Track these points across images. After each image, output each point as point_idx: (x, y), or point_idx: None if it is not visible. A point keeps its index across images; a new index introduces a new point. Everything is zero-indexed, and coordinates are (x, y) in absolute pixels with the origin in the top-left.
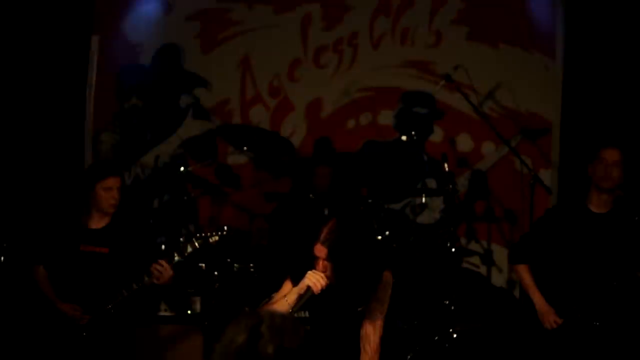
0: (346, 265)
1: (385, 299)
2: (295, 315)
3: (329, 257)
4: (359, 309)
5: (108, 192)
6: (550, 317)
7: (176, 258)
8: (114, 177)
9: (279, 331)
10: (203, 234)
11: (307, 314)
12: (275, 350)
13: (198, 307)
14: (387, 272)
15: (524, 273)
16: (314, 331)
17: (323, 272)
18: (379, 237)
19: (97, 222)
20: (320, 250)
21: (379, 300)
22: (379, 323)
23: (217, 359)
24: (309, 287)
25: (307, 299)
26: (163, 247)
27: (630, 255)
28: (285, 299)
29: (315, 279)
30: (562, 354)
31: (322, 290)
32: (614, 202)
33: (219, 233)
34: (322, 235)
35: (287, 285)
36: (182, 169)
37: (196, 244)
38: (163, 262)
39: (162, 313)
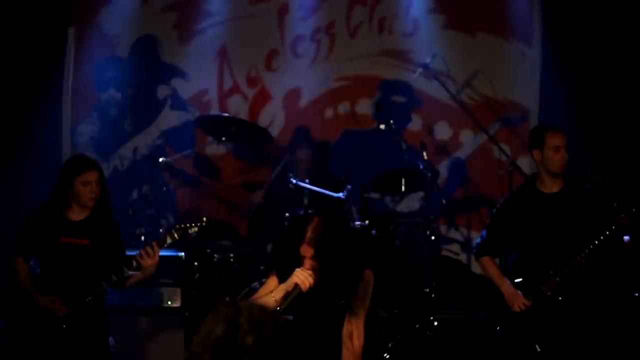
0: (332, 264)
1: (367, 296)
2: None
3: (316, 256)
4: (340, 303)
5: (87, 186)
6: (518, 300)
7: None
8: (92, 171)
9: (258, 322)
10: (182, 225)
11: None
12: (254, 341)
13: (178, 298)
14: (368, 271)
15: (487, 264)
16: (296, 327)
17: (310, 270)
18: (359, 226)
19: (77, 215)
20: (307, 250)
21: (362, 297)
22: (362, 320)
23: (195, 350)
24: (296, 285)
25: (295, 296)
26: (142, 238)
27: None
28: (272, 295)
29: (303, 277)
30: (534, 333)
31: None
32: (564, 181)
33: (198, 224)
34: (308, 235)
35: (273, 281)
36: (160, 160)
37: (175, 235)
38: (154, 244)
39: (141, 305)
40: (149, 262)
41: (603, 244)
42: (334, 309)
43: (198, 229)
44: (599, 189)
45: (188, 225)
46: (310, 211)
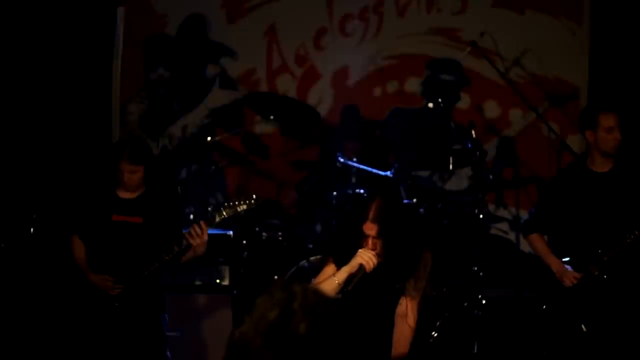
0: (397, 242)
1: (424, 277)
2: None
3: (380, 234)
4: (397, 286)
5: (132, 174)
6: (568, 275)
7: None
8: (135, 165)
9: (312, 309)
10: (231, 203)
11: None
12: (307, 328)
13: (227, 276)
14: (426, 252)
15: (536, 241)
16: (350, 308)
17: (373, 249)
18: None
19: (129, 193)
20: (371, 228)
21: (419, 278)
22: (417, 301)
23: (247, 333)
24: (361, 266)
25: (360, 277)
26: (192, 217)
27: (637, 211)
28: (335, 278)
29: (367, 257)
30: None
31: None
32: (615, 161)
33: (247, 202)
34: (371, 213)
35: (330, 268)
36: (209, 138)
37: (224, 213)
38: (202, 224)
39: (191, 283)
40: (197, 241)
41: None
42: (393, 289)
43: (247, 207)
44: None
45: (237, 203)
46: (370, 191)
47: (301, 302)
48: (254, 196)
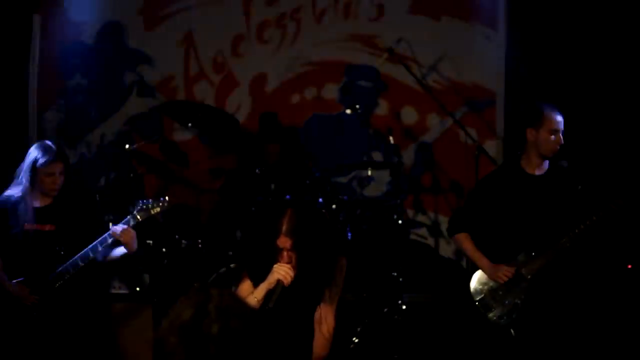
0: (312, 252)
1: (340, 283)
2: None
3: (295, 247)
4: (315, 295)
5: (50, 177)
6: (501, 270)
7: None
8: (56, 162)
9: (226, 311)
10: (145, 207)
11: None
12: (219, 330)
13: (147, 284)
14: (341, 257)
15: (464, 241)
16: (268, 317)
17: (288, 262)
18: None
19: (42, 201)
20: (285, 242)
21: (335, 284)
22: (334, 306)
23: (162, 333)
24: (279, 281)
25: (279, 293)
26: (110, 224)
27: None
28: (254, 296)
29: (284, 272)
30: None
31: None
32: (550, 164)
33: (160, 204)
34: (284, 227)
35: (246, 284)
36: (127, 146)
37: (138, 217)
38: (127, 224)
39: (113, 291)
40: (126, 239)
41: (588, 229)
42: (311, 299)
43: (160, 209)
44: (570, 172)
45: (150, 206)
46: (284, 200)
47: (216, 303)
48: (167, 198)
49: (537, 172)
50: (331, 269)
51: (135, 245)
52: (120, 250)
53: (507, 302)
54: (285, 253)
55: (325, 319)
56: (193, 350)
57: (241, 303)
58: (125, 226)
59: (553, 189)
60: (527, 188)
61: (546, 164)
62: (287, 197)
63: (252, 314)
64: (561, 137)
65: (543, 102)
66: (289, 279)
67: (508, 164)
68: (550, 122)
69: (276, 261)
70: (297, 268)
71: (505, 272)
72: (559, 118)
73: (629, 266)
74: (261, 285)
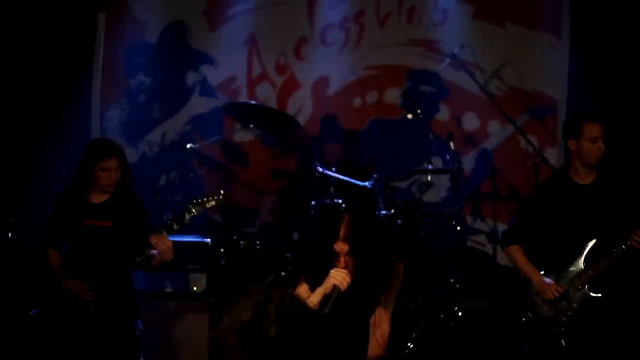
0: (368, 258)
1: (396, 288)
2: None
3: (352, 252)
4: (372, 300)
5: (105, 172)
6: (551, 288)
7: (175, 227)
8: (111, 158)
9: (286, 313)
10: (200, 200)
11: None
12: (277, 332)
13: (204, 284)
14: (398, 262)
15: (515, 253)
16: (326, 321)
17: (345, 268)
18: (384, 215)
19: (99, 197)
20: (342, 247)
21: (392, 289)
22: (390, 311)
23: (222, 332)
24: (335, 286)
25: (335, 297)
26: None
27: (620, 225)
28: (310, 300)
29: (341, 277)
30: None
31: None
32: (598, 173)
33: (215, 197)
34: (342, 232)
35: (303, 288)
36: (189, 146)
37: (193, 211)
38: (162, 232)
39: (168, 290)
40: (161, 247)
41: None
42: (367, 304)
43: (215, 203)
44: (628, 180)
45: (205, 199)
46: (340, 206)
47: (277, 305)
48: (222, 192)
49: (585, 182)
50: (387, 275)
51: (171, 256)
52: (157, 259)
53: (557, 313)
54: (342, 258)
55: (380, 324)
56: (251, 351)
57: (302, 305)
58: (160, 235)
59: (603, 198)
60: (575, 198)
61: (594, 173)
62: (344, 203)
63: (311, 317)
64: (602, 144)
65: (583, 112)
66: (345, 285)
67: (557, 174)
68: (588, 131)
69: (333, 266)
70: (354, 274)
71: (554, 292)
72: (597, 125)
73: None
74: (318, 290)
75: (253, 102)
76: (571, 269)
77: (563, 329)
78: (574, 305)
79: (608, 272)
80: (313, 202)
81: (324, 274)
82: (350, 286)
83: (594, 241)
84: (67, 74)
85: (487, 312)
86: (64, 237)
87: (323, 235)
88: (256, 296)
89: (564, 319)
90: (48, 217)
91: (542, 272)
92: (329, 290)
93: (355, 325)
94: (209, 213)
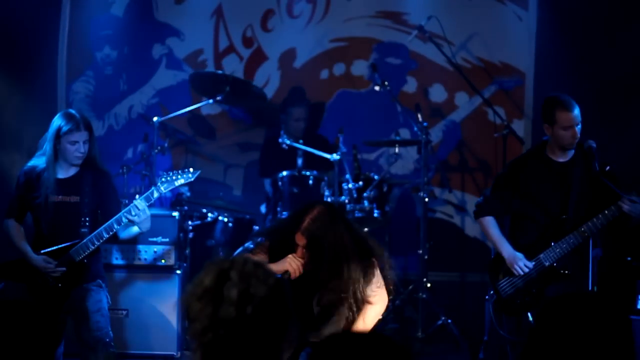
0: (320, 259)
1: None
2: None
3: (307, 247)
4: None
5: (74, 145)
6: (519, 262)
7: (144, 204)
8: (79, 130)
9: (248, 276)
10: (169, 178)
11: None
12: (239, 294)
13: (172, 257)
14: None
15: (489, 225)
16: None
17: (301, 258)
18: (353, 187)
19: (65, 171)
20: (300, 239)
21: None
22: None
23: (186, 299)
24: (287, 271)
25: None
26: (137, 197)
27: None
28: None
29: (295, 266)
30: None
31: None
32: (575, 150)
33: (185, 175)
34: (304, 224)
35: (261, 256)
36: (155, 118)
37: (162, 188)
38: (138, 203)
39: (136, 263)
40: (140, 218)
41: (608, 221)
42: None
43: (184, 181)
44: (593, 155)
45: (174, 177)
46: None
47: (239, 269)
48: (191, 169)
49: (561, 159)
50: (336, 275)
51: (148, 225)
52: (135, 230)
53: (523, 288)
54: (299, 249)
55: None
56: (215, 315)
57: (264, 270)
58: (137, 208)
59: (576, 175)
60: (551, 174)
61: (571, 152)
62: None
63: (274, 281)
64: (576, 130)
65: (557, 97)
66: (296, 274)
67: (534, 150)
68: (562, 120)
69: (294, 251)
70: (306, 266)
71: (522, 266)
72: (571, 115)
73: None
74: (271, 266)
75: (220, 72)
76: (542, 244)
77: (530, 301)
78: (542, 280)
79: (577, 249)
80: (281, 174)
81: (283, 254)
82: (300, 276)
83: (565, 217)
84: (32, 48)
85: (456, 283)
86: (31, 212)
87: (291, 219)
88: (219, 263)
89: (532, 292)
90: (13, 190)
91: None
92: (279, 273)
93: (296, 307)
94: (178, 187)
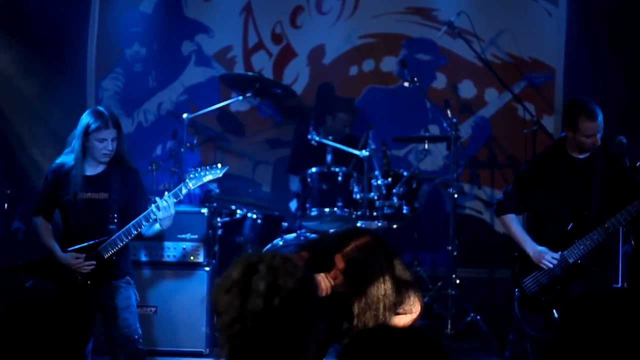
0: (355, 289)
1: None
2: None
3: (344, 272)
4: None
5: (102, 142)
6: (546, 256)
7: (172, 200)
8: (107, 128)
9: (275, 269)
10: (197, 174)
11: None
12: (266, 286)
13: (201, 254)
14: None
15: (510, 222)
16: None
17: (333, 279)
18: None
19: (94, 168)
20: (340, 262)
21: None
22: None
23: (214, 292)
24: None
25: None
26: (166, 193)
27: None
28: None
29: (324, 286)
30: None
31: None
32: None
33: (213, 171)
34: (347, 249)
35: (300, 258)
36: (184, 115)
37: (190, 185)
38: (168, 198)
39: (165, 260)
40: (163, 215)
41: (632, 216)
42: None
43: (212, 177)
44: (623, 150)
45: (203, 173)
46: (363, 227)
47: (267, 263)
48: (219, 165)
49: (581, 156)
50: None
51: (170, 222)
52: (157, 227)
53: (548, 285)
54: (335, 270)
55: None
56: (242, 307)
57: (293, 264)
58: (166, 202)
59: (598, 172)
60: (571, 171)
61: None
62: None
63: (302, 275)
64: (598, 138)
65: (582, 104)
66: (324, 294)
67: (554, 147)
68: (585, 128)
69: (330, 269)
70: (335, 288)
71: (550, 259)
72: (594, 124)
73: None
74: None
75: (250, 73)
76: (565, 241)
77: (555, 298)
78: (566, 277)
79: (601, 245)
80: (310, 171)
81: (318, 270)
82: (326, 296)
83: (587, 214)
84: (62, 45)
85: (485, 279)
86: (59, 210)
87: (336, 239)
88: (247, 257)
89: (557, 289)
90: (42, 187)
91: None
92: None
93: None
94: (206, 183)
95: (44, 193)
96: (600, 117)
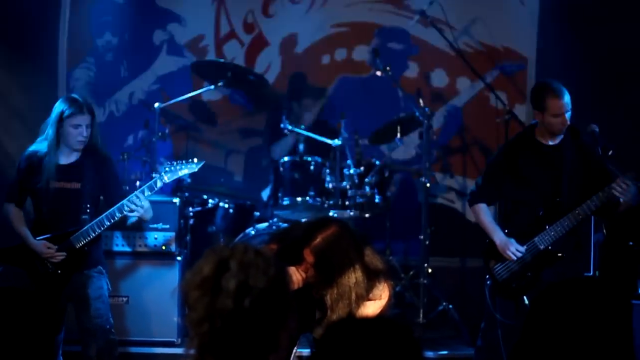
0: (326, 280)
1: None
2: None
3: (314, 266)
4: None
5: (76, 129)
6: (511, 248)
7: (147, 193)
8: (82, 114)
9: (247, 267)
10: (172, 168)
11: None
12: (237, 286)
13: (173, 243)
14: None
15: (480, 212)
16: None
17: (304, 272)
18: (354, 173)
19: (67, 157)
20: (309, 256)
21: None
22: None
23: (184, 287)
24: None
25: None
26: (137, 183)
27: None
28: None
29: (296, 279)
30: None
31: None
32: (564, 133)
33: (188, 166)
34: (315, 242)
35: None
36: (156, 105)
37: (165, 178)
38: (139, 194)
39: (137, 249)
40: (138, 209)
41: (601, 203)
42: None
43: (188, 171)
44: (596, 139)
45: (178, 167)
46: (329, 218)
47: (239, 259)
48: (195, 160)
49: (551, 142)
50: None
51: (151, 213)
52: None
53: (519, 271)
54: (305, 264)
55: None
56: (211, 305)
57: (265, 259)
58: (137, 199)
59: (568, 159)
60: (541, 158)
61: (560, 135)
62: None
63: (274, 272)
64: (566, 117)
65: (548, 84)
66: (295, 287)
67: (523, 134)
68: (553, 107)
69: (300, 262)
70: (306, 281)
71: (514, 251)
72: (562, 102)
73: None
74: None
75: (221, 60)
76: (536, 228)
77: (526, 285)
78: (537, 263)
79: (572, 232)
80: (282, 160)
81: (288, 262)
82: (297, 289)
83: (558, 200)
84: (33, 34)
85: (457, 269)
86: (31, 198)
87: (303, 232)
88: (219, 250)
89: (527, 276)
90: (14, 175)
91: (505, 232)
92: None
93: None
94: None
95: (16, 180)
96: (567, 97)
